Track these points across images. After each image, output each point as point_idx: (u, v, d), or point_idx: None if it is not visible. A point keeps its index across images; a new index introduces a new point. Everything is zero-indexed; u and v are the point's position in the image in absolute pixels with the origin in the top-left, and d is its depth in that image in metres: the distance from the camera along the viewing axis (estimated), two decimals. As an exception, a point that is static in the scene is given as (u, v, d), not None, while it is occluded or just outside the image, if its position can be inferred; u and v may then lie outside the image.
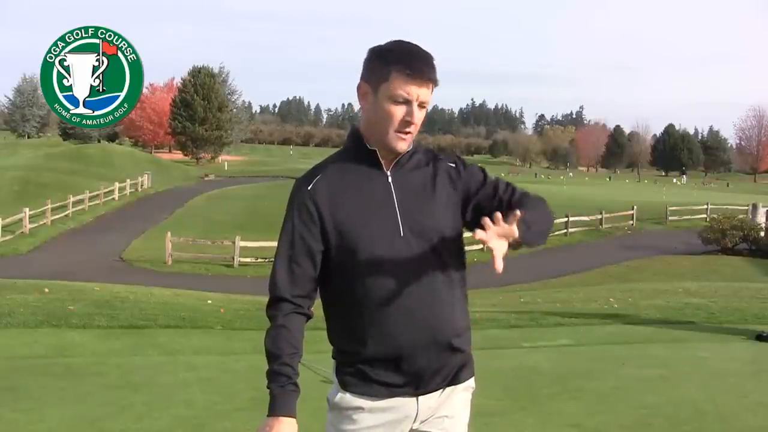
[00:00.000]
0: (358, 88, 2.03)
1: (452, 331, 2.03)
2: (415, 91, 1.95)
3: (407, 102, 1.95)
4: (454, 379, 2.07)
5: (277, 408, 1.91)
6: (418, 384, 2.01)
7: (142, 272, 22.47)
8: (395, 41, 2.03)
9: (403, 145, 1.99)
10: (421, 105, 1.99)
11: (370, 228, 1.97)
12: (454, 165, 2.10)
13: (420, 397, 2.02)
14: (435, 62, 2.00)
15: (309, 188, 2.01)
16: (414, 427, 2.05)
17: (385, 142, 1.99)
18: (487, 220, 1.80)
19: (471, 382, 2.14)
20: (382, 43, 2.05)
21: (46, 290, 10.28)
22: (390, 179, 2.01)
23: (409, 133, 1.98)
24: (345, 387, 2.03)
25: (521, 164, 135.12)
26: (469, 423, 2.16)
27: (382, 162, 2.02)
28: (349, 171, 2.03)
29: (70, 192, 34.87)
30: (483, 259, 27.28)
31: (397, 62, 1.95)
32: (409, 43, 2.01)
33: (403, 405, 2.01)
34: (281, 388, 1.92)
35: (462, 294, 2.08)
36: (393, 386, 1.99)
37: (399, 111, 1.96)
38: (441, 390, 2.05)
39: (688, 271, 24.06)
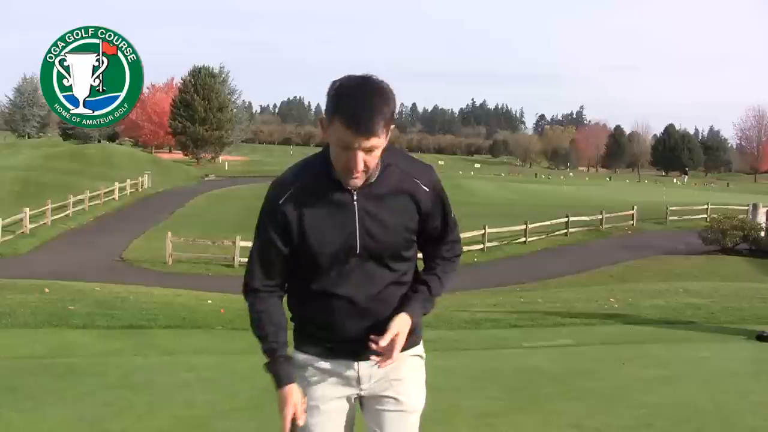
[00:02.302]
0: (320, 122, 2.11)
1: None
2: (356, 142, 2.00)
3: (349, 148, 2.01)
4: None
5: (280, 381, 2.18)
6: (356, 351, 2.20)
7: (142, 272, 22.45)
8: (349, 81, 2.02)
9: (355, 182, 2.09)
10: (369, 150, 2.02)
11: (330, 246, 2.14)
12: (427, 191, 2.19)
13: (360, 363, 2.23)
14: (382, 110, 1.99)
15: (280, 202, 2.15)
16: (364, 393, 2.26)
17: (340, 177, 2.10)
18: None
19: (417, 350, 2.32)
20: (341, 76, 2.06)
21: (46, 290, 10.29)
22: (355, 200, 2.13)
23: (356, 174, 2.06)
24: (298, 347, 2.29)
25: (521, 164, 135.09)
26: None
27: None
28: (319, 189, 2.14)
29: (70, 192, 34.83)
30: (483, 259, 27.39)
31: (339, 112, 2.00)
32: (360, 87, 2.00)
33: (346, 368, 2.24)
34: (274, 364, 2.19)
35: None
36: (334, 351, 2.23)
37: (343, 155, 2.04)
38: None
39: (688, 271, 24.04)
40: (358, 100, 1.99)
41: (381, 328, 2.15)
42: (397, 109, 2.11)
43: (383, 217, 2.14)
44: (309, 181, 2.15)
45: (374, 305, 2.18)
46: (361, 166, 2.03)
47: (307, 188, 2.14)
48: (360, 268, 2.16)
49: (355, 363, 2.22)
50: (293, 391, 2.16)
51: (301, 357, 2.26)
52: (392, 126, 2.07)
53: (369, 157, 2.04)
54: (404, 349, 2.21)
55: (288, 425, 2.16)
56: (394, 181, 2.15)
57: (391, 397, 2.25)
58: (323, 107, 2.08)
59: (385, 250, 2.16)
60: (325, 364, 2.24)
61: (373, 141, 2.00)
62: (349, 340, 2.20)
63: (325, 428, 2.24)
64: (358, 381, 2.24)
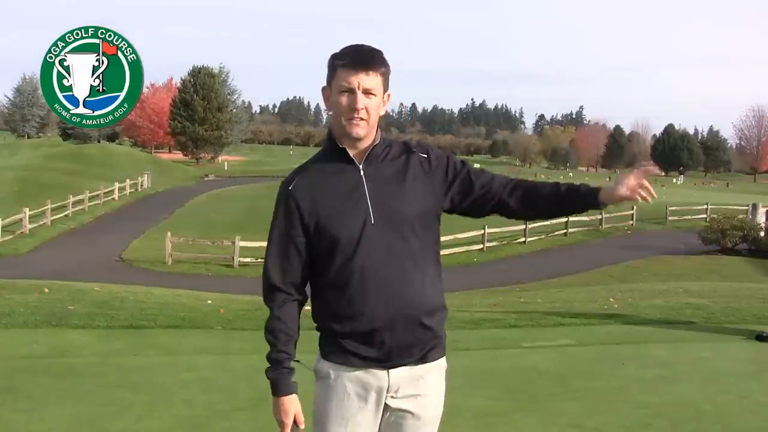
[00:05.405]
0: (322, 92, 2.27)
1: (421, 309, 2.22)
2: (355, 80, 2.16)
3: (351, 90, 2.17)
4: (424, 358, 2.26)
5: (279, 390, 2.24)
6: (389, 358, 2.21)
7: (142, 272, 22.46)
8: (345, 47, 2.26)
9: (358, 130, 2.19)
10: (367, 92, 2.18)
11: (345, 219, 2.18)
12: (426, 156, 2.30)
13: (391, 371, 2.23)
14: (379, 55, 2.21)
15: (290, 188, 2.25)
16: (388, 403, 2.25)
17: (344, 131, 2.20)
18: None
19: (442, 362, 2.33)
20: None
21: (46, 290, 10.28)
22: (362, 172, 2.22)
23: (361, 119, 2.18)
24: (326, 357, 2.27)
25: (521, 164, 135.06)
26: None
27: (355, 156, 2.23)
28: (326, 168, 2.26)
29: (70, 192, 34.85)
30: (483, 259, 27.38)
31: (339, 58, 2.20)
32: (355, 44, 2.24)
33: (376, 376, 2.23)
34: (278, 373, 2.23)
35: (434, 275, 2.28)
36: (366, 359, 2.21)
37: (344, 99, 2.18)
38: (411, 366, 2.24)
39: (688, 271, 24.05)
40: (354, 47, 2.22)
41: (409, 313, 2.18)
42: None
43: (391, 184, 2.22)
44: (314, 166, 2.28)
45: (399, 283, 2.17)
46: (361, 106, 2.15)
47: (313, 172, 2.26)
48: (378, 241, 2.17)
49: (385, 372, 2.22)
50: (294, 400, 2.24)
51: (330, 367, 2.25)
52: (387, 92, 2.24)
53: (368, 102, 2.17)
54: (430, 359, 2.26)
55: None
56: (395, 152, 2.28)
57: (410, 412, 2.26)
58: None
59: (397, 216, 2.19)
60: (355, 374, 2.22)
61: (372, 79, 2.17)
62: (380, 333, 2.17)
63: None
64: (387, 390, 2.24)
